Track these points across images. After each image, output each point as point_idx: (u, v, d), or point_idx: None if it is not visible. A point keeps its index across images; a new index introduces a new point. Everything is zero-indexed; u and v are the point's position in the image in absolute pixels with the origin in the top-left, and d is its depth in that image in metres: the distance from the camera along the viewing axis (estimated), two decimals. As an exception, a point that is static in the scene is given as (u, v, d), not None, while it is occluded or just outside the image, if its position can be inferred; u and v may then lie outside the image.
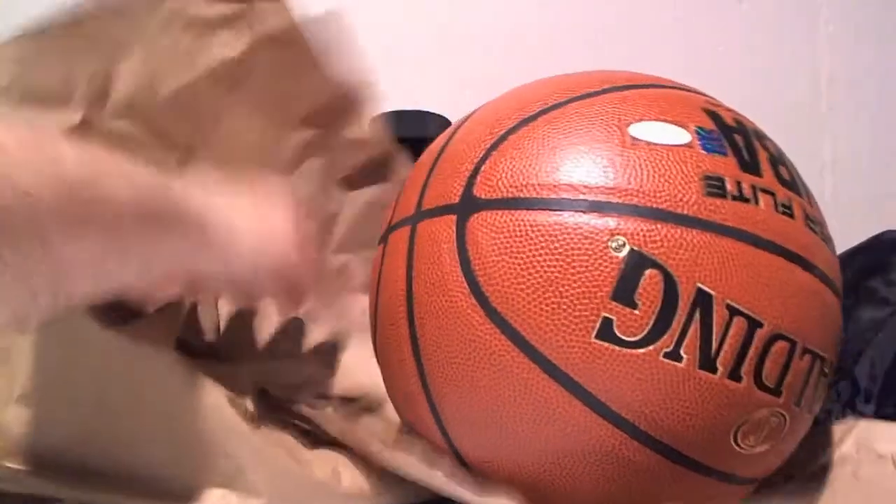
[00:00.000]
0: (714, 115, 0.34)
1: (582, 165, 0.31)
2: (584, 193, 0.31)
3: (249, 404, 0.38)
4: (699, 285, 0.29)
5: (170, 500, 0.34)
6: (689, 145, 0.32)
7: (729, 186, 0.31)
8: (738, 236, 0.31)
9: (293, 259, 0.38)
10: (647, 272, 0.29)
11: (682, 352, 0.30)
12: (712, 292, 0.30)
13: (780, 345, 0.31)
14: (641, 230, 0.30)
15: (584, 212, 0.30)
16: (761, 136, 0.35)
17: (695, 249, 0.30)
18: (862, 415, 0.48)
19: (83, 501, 0.32)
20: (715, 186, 0.31)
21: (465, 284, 0.32)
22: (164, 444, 0.35)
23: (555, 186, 0.31)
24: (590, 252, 0.30)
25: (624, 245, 0.30)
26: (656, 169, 0.31)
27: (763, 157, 0.33)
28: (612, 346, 0.30)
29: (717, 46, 0.88)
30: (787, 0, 0.91)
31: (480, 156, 0.33)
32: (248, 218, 0.36)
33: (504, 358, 0.31)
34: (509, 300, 0.31)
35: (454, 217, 0.33)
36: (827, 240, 0.35)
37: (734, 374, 0.30)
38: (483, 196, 0.32)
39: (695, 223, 0.30)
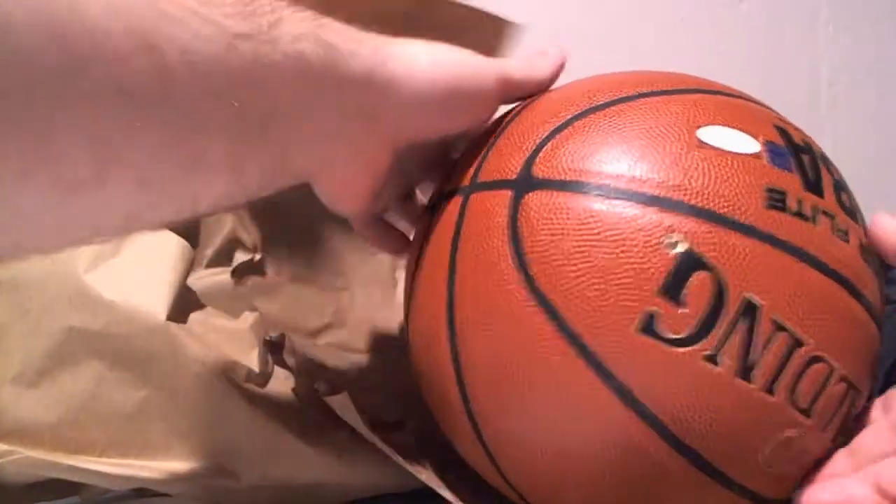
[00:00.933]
0: (784, 133, 0.34)
1: (647, 159, 0.31)
2: (645, 187, 0.31)
3: (254, 362, 0.39)
4: (748, 295, 0.29)
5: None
6: (756, 155, 0.32)
7: (790, 202, 0.31)
8: (794, 252, 0.30)
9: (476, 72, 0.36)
10: (698, 273, 0.29)
11: (721, 357, 0.29)
12: (760, 304, 0.29)
13: (819, 367, 0.30)
14: (698, 231, 0.30)
15: (643, 204, 0.30)
16: (826, 161, 0.35)
17: (749, 258, 0.30)
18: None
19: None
20: (777, 200, 0.31)
21: (512, 261, 0.31)
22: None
23: (617, 176, 0.31)
24: (643, 245, 0.30)
25: (679, 243, 0.29)
26: (721, 173, 0.31)
27: (827, 180, 0.33)
28: (651, 341, 0.29)
29: (717, 46, 0.89)
30: (787, 0, 0.91)
31: (544, 136, 0.33)
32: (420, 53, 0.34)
33: (541, 338, 0.31)
34: (555, 282, 0.31)
35: (510, 193, 0.33)
36: (878, 273, 0.34)
37: (769, 388, 0.30)
38: (542, 175, 0.32)
39: (752, 232, 0.30)
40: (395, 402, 0.42)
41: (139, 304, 0.36)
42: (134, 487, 0.38)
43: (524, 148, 0.34)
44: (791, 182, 0.32)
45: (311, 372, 0.41)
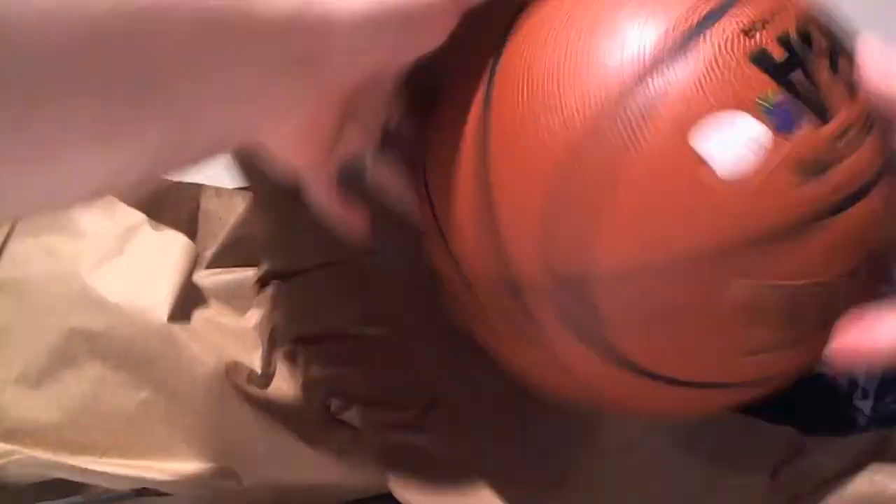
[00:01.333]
0: (767, 64, 0.29)
1: (681, 224, 0.29)
2: (685, 252, 0.29)
3: (256, 363, 0.39)
4: (812, 283, 0.30)
5: None
6: (765, 141, 0.28)
7: (809, 163, 0.29)
8: (834, 211, 0.29)
9: None
10: (769, 300, 0.29)
11: None
12: (823, 282, 0.30)
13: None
14: (756, 265, 0.29)
15: (692, 268, 0.29)
16: (826, 39, 0.30)
17: (805, 255, 0.29)
18: (859, 411, 0.48)
19: None
20: (804, 171, 0.29)
21: None
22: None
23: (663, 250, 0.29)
24: (711, 300, 0.29)
25: (743, 285, 0.29)
26: (749, 194, 0.28)
27: (828, 81, 0.29)
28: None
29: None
30: (787, 0, 0.91)
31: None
32: None
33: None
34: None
35: None
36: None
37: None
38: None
39: (800, 230, 0.29)
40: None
41: (141, 306, 0.36)
42: (136, 488, 0.38)
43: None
44: (804, 133, 0.29)
45: (321, 382, 0.41)
